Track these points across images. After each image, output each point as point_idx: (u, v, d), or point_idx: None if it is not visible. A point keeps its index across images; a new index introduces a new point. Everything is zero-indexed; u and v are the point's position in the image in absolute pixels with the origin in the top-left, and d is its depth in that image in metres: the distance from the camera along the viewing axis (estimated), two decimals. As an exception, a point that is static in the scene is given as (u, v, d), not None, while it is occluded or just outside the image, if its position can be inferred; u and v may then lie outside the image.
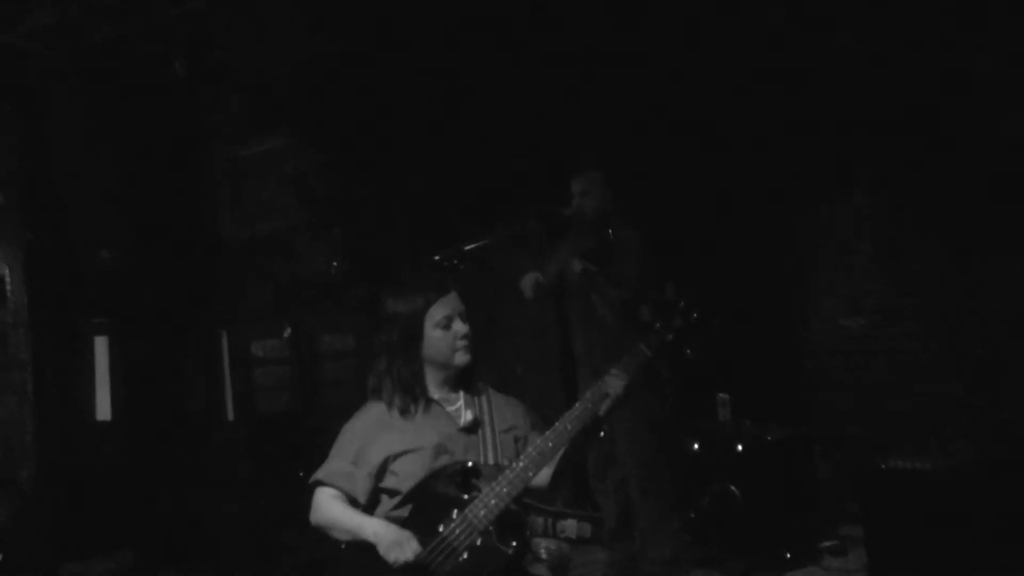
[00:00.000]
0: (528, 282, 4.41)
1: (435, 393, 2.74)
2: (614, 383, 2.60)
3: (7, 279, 6.06)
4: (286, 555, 5.54)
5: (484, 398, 2.78)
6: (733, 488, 4.51)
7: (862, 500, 4.19)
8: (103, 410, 6.55)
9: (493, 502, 2.51)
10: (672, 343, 2.66)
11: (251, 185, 6.42)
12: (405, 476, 2.61)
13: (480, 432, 2.69)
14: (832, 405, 5.38)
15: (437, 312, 2.72)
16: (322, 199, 6.12)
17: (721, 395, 4.93)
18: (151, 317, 6.39)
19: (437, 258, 3.40)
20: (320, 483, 2.69)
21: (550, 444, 2.56)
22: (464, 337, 2.72)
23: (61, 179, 6.07)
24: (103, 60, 5.75)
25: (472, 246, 3.45)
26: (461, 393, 2.77)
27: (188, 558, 5.76)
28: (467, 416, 2.72)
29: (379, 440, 2.65)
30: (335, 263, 5.93)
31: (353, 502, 2.63)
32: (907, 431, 5.04)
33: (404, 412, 2.68)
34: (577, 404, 2.61)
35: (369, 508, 2.64)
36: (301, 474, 5.63)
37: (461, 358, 2.73)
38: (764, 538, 4.50)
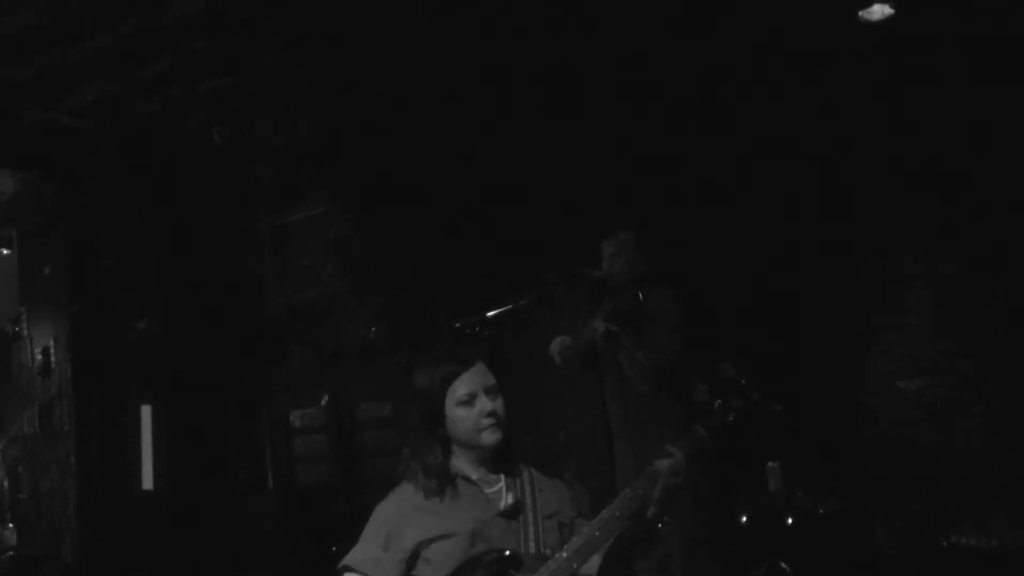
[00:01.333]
0: (556, 347, 4.28)
1: (472, 473, 2.52)
2: (665, 463, 2.39)
3: (52, 351, 6.15)
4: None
5: (526, 480, 2.53)
6: (784, 565, 4.24)
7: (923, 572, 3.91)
8: (147, 480, 6.55)
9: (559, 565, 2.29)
10: (732, 425, 2.48)
11: (292, 252, 6.44)
12: (438, 565, 2.39)
13: (521, 518, 2.45)
14: (892, 474, 5.08)
15: (459, 388, 2.48)
16: (362, 265, 6.10)
17: (771, 464, 4.69)
18: (194, 386, 6.41)
19: (458, 326, 3.29)
20: (348, 569, 2.47)
21: (596, 533, 2.33)
22: (490, 415, 2.47)
23: (105, 251, 6.18)
24: (144, 134, 5.88)
25: (495, 312, 3.34)
26: (501, 475, 2.53)
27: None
28: (507, 499, 2.48)
29: (411, 524, 2.44)
30: (373, 328, 5.86)
31: None
32: (971, 502, 4.73)
33: (433, 495, 2.46)
34: (627, 490, 2.39)
35: None
36: (335, 549, 5.56)
37: (488, 438, 2.48)
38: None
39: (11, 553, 6.12)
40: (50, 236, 6.20)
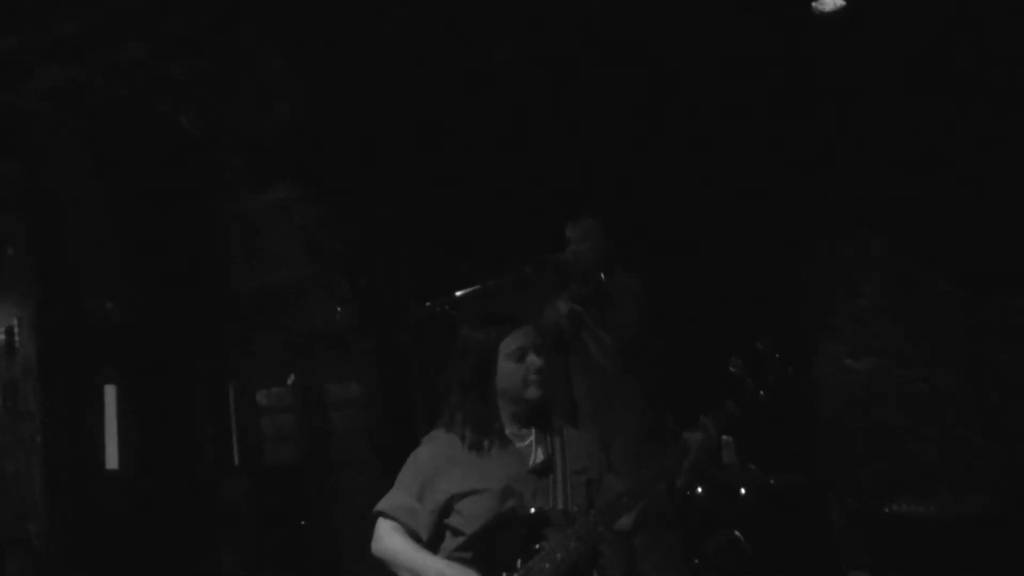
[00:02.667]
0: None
1: (507, 428, 2.65)
2: (702, 438, 2.50)
3: (16, 332, 6.13)
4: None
5: (557, 436, 2.66)
6: (738, 534, 4.42)
7: (870, 546, 4.10)
8: (111, 459, 6.56)
9: (559, 556, 2.40)
10: (763, 401, 2.52)
11: (259, 237, 6.46)
12: (470, 517, 2.52)
13: (551, 476, 2.57)
14: (842, 450, 5.28)
15: (511, 343, 2.63)
16: (330, 250, 6.15)
17: (725, 437, 4.85)
18: (159, 366, 6.42)
19: (428, 305, 3.40)
20: (383, 515, 2.61)
21: (624, 500, 2.46)
22: (538, 371, 2.61)
23: (70, 233, 6.16)
24: (111, 118, 5.86)
25: (464, 292, 3.44)
26: (533, 430, 2.66)
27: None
28: (538, 455, 2.62)
29: (445, 476, 2.57)
30: (339, 309, 5.93)
31: (415, 536, 2.56)
32: (919, 476, 4.94)
33: (477, 448, 2.60)
34: (656, 461, 2.52)
35: (432, 543, 2.57)
36: (303, 523, 5.66)
37: (533, 392, 2.62)
38: (771, 585, 4.41)
39: (-25, 536, 6.10)
40: (13, 217, 6.17)
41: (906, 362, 5.14)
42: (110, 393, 6.54)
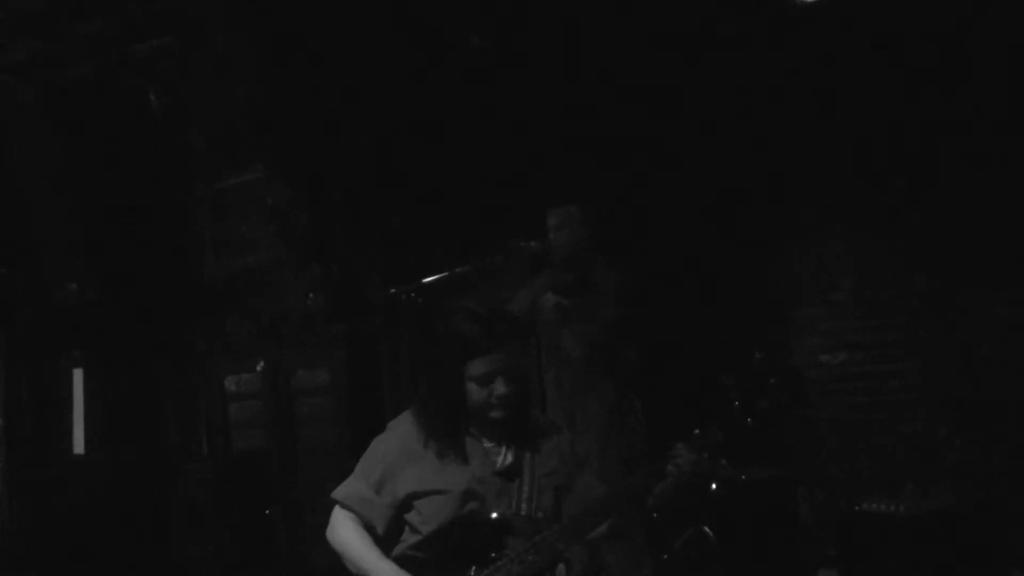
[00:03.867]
0: None
1: (477, 426, 2.50)
2: (679, 464, 2.39)
3: (-23, 315, 6.04)
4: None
5: (530, 437, 2.52)
6: (707, 530, 4.39)
7: (838, 542, 4.09)
8: (78, 444, 6.48)
9: (515, 569, 2.29)
10: (751, 428, 2.38)
11: (229, 218, 6.37)
12: (428, 517, 2.41)
13: (519, 479, 2.45)
14: (814, 444, 5.27)
15: (479, 366, 2.42)
16: (301, 234, 6.07)
17: (696, 432, 4.82)
18: (127, 351, 6.34)
19: (393, 292, 3.32)
20: (338, 503, 2.49)
21: (590, 519, 2.36)
22: (501, 398, 2.41)
23: (34, 214, 6.06)
24: (77, 95, 5.75)
25: (430, 279, 3.37)
26: (504, 430, 2.50)
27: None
28: (507, 458, 2.48)
29: (406, 471, 2.45)
30: (311, 295, 5.86)
31: (370, 528, 2.45)
32: (888, 472, 4.93)
33: (442, 443, 2.45)
34: (629, 480, 2.43)
35: (391, 536, 2.46)
36: (267, 512, 5.59)
37: (497, 415, 2.45)
38: (739, 581, 4.39)
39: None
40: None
41: (877, 357, 5.14)
42: (78, 377, 6.45)
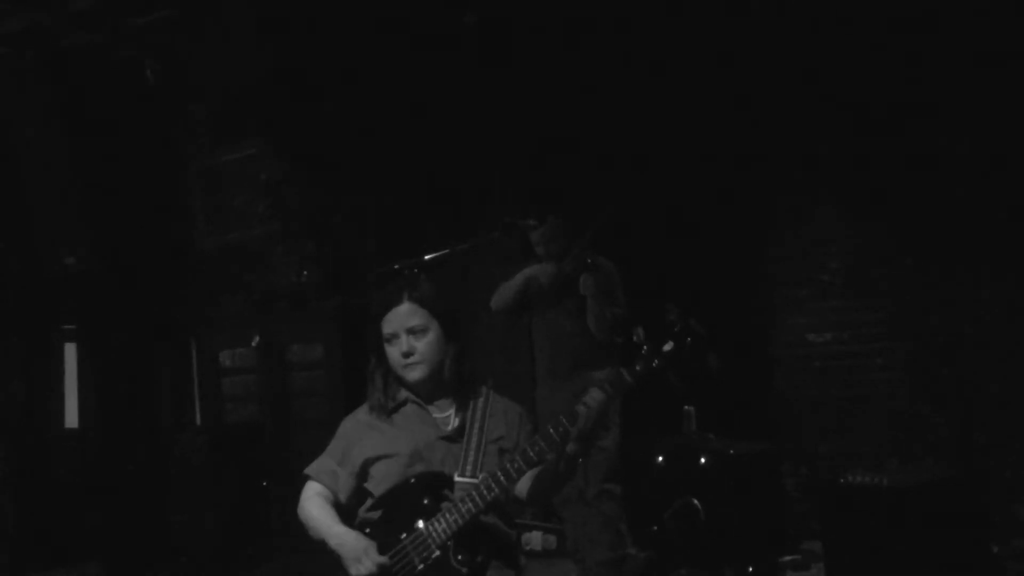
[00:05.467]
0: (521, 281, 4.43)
1: (424, 398, 2.69)
2: (589, 406, 2.44)
3: (-27, 285, 6.04)
4: (251, 566, 5.51)
5: (480, 404, 2.67)
6: (696, 502, 4.50)
7: (822, 515, 4.19)
8: (71, 418, 6.50)
9: (452, 517, 2.46)
10: (658, 369, 2.43)
11: (224, 193, 6.39)
12: (379, 480, 2.62)
13: (463, 441, 2.61)
14: (800, 421, 5.38)
15: (385, 326, 2.66)
16: (295, 209, 6.10)
17: (687, 407, 4.93)
18: (121, 324, 6.36)
19: (396, 267, 3.38)
20: (308, 478, 2.71)
21: (515, 466, 2.47)
22: (406, 355, 2.62)
23: (29, 186, 6.05)
24: (73, 67, 5.74)
25: (432, 256, 3.44)
26: (454, 398, 2.70)
27: (154, 569, 5.72)
28: (453, 423, 2.66)
29: (362, 441, 2.66)
30: (305, 272, 5.90)
31: (335, 498, 2.67)
32: (873, 448, 5.05)
33: (381, 413, 2.67)
34: (548, 428, 2.48)
35: (353, 505, 2.67)
36: (264, 484, 5.65)
37: (409, 374, 2.65)
38: (727, 552, 4.49)
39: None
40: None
41: (863, 337, 5.23)
42: (70, 351, 6.47)
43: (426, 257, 3.41)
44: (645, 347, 2.46)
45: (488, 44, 5.40)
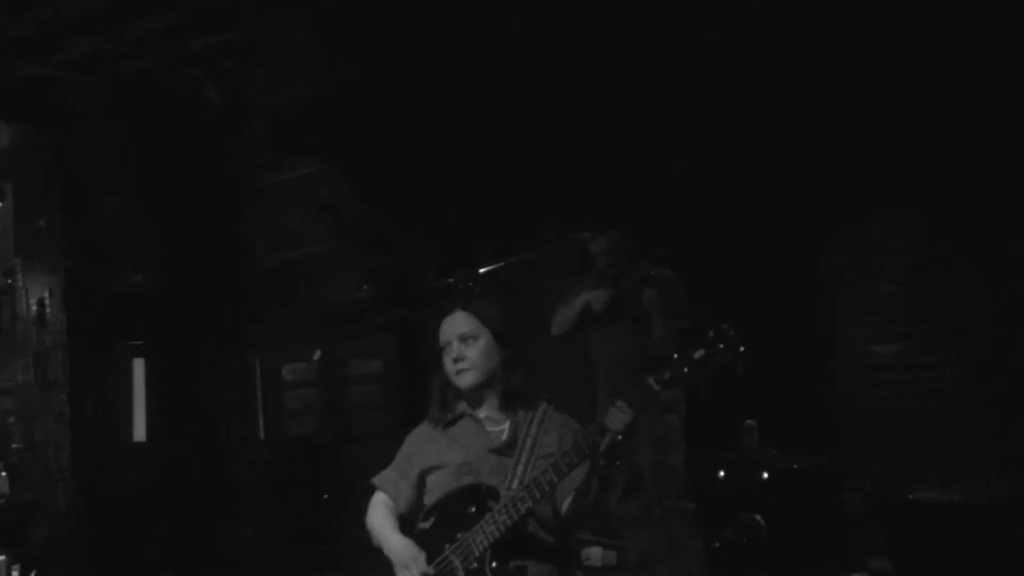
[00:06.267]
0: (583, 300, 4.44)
1: (480, 412, 2.75)
2: (615, 418, 2.44)
3: (47, 303, 6.21)
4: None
5: (535, 419, 2.71)
6: (758, 518, 4.42)
7: (889, 531, 4.09)
8: (139, 432, 6.64)
9: (490, 528, 2.51)
10: (689, 377, 2.41)
11: (284, 212, 6.50)
12: (432, 491, 2.70)
13: (515, 455, 2.64)
14: (863, 435, 5.26)
15: (440, 336, 2.78)
16: (352, 225, 6.19)
17: (748, 422, 4.85)
18: (186, 340, 6.49)
19: (451, 280, 3.43)
20: (374, 486, 2.83)
21: (547, 478, 2.50)
22: (457, 361, 2.71)
23: (99, 205, 6.22)
24: (138, 90, 5.90)
25: (487, 269, 3.47)
26: (511, 412, 2.75)
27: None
28: (504, 437, 2.70)
29: (420, 452, 2.76)
30: (365, 286, 5.98)
31: (397, 507, 2.77)
32: (938, 463, 4.91)
33: (438, 426, 2.77)
34: (579, 439, 2.51)
35: (415, 514, 2.75)
36: (325, 496, 5.71)
37: (460, 380, 2.73)
38: (789, 569, 4.40)
39: (2, 501, 6.21)
40: (45, 189, 6.23)
41: (929, 348, 5.11)
42: (139, 367, 6.62)
43: (480, 270, 3.45)
44: (676, 355, 2.44)
45: (541, 58, 5.41)
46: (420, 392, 5.61)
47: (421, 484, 2.74)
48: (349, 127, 5.96)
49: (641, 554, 4.39)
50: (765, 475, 4.54)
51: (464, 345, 2.72)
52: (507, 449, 2.66)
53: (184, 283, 6.42)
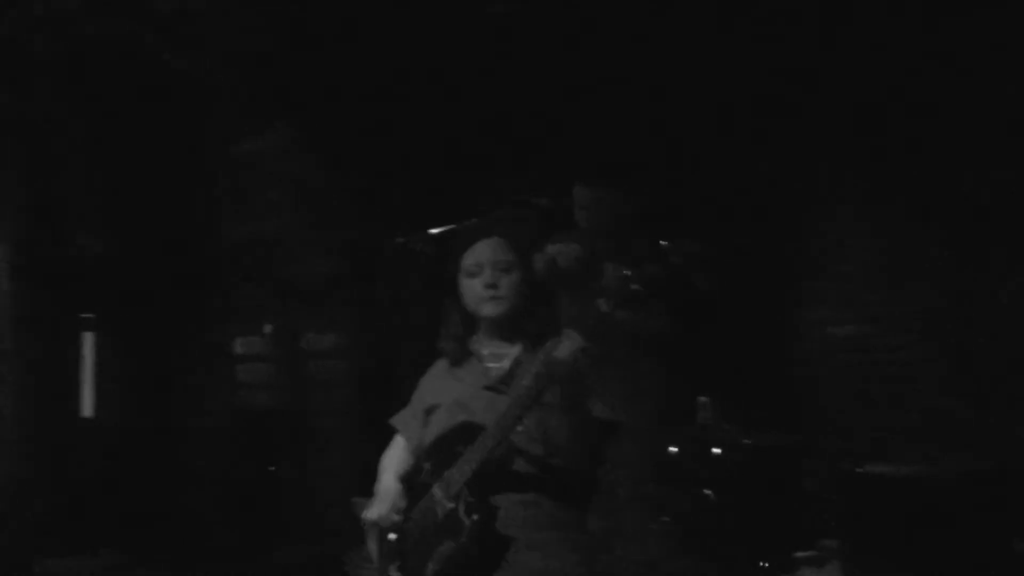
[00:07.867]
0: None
1: (485, 347, 2.61)
2: (563, 346, 2.31)
3: (-3, 272, 6.08)
4: (266, 551, 5.49)
5: (538, 356, 2.46)
6: (709, 493, 4.39)
7: (839, 506, 4.08)
8: (87, 407, 6.54)
9: (467, 467, 2.40)
10: (640, 295, 2.26)
11: (245, 182, 6.42)
12: (431, 429, 2.60)
13: (509, 392, 2.49)
14: (820, 414, 5.26)
15: (468, 258, 2.59)
16: (317, 199, 6.12)
17: (702, 398, 4.81)
18: (139, 313, 6.39)
19: (401, 241, 3.34)
20: (391, 425, 2.77)
21: (513, 411, 2.36)
22: (490, 287, 2.53)
23: (52, 173, 6.10)
24: (98, 54, 5.78)
25: (439, 231, 3.39)
26: (515, 347, 2.58)
27: (171, 556, 5.72)
28: (498, 373, 2.56)
29: (427, 391, 2.68)
30: (324, 259, 5.91)
31: (410, 445, 2.68)
32: (897, 443, 4.91)
33: (454, 364, 2.64)
34: (531, 367, 2.38)
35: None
36: (272, 469, 5.64)
37: (487, 309, 2.55)
38: (740, 545, 4.38)
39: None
40: (-4, 153, 6.11)
41: (890, 329, 5.11)
42: (88, 340, 6.51)
43: (432, 231, 3.36)
44: (628, 272, 2.29)
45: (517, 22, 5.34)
46: (376, 367, 5.63)
47: (427, 423, 2.63)
48: (316, 98, 5.88)
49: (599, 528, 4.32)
50: (716, 451, 4.50)
51: (501, 273, 2.55)
52: (501, 386, 2.53)
53: (139, 255, 6.32)
